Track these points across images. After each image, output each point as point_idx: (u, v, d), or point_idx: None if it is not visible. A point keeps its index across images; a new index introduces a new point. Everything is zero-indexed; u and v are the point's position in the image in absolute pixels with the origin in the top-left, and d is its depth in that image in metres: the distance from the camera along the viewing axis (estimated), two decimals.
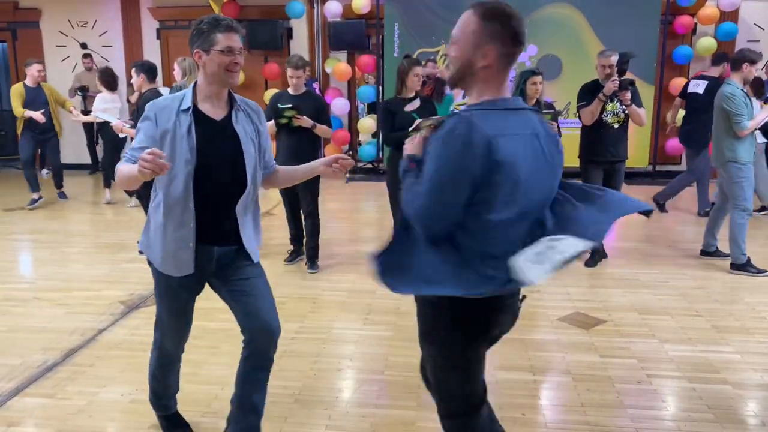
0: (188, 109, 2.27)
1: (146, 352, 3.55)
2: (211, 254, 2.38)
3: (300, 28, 10.07)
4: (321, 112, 4.97)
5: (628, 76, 5.42)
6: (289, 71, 4.92)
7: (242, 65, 2.29)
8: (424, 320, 1.99)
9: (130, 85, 7.24)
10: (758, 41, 9.06)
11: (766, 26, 9.22)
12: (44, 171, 10.22)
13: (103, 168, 8.16)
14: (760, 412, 2.97)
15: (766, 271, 4.93)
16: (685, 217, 7.17)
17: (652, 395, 3.12)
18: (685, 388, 3.19)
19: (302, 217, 5.19)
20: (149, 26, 10.40)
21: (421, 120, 4.78)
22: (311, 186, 4.94)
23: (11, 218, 7.14)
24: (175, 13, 10.25)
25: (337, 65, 9.58)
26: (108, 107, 7.32)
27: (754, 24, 9.22)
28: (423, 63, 5.69)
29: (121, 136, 6.67)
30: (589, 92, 5.08)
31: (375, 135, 9.56)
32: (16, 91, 7.48)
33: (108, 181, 7.77)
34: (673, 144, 9.46)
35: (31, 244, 6.08)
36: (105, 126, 7.19)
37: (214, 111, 2.32)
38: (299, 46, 10.06)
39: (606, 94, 4.92)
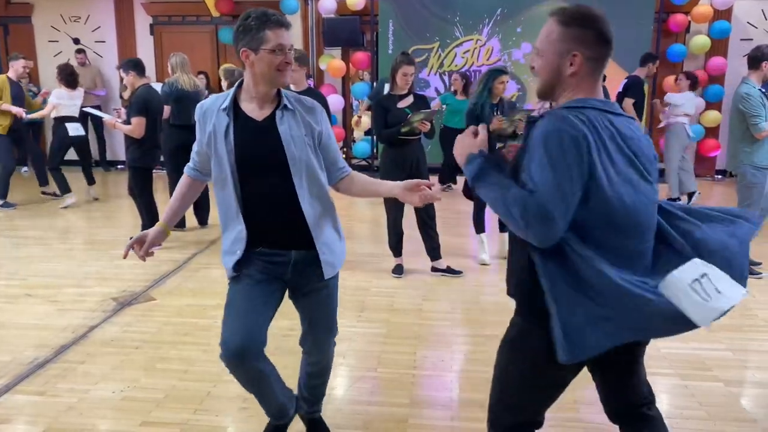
0: (227, 108, 2.17)
1: (138, 350, 3.56)
2: (286, 258, 2.26)
3: (294, 24, 9.99)
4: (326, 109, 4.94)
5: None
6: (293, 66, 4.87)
7: (292, 64, 2.19)
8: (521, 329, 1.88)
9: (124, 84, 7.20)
10: (751, 39, 9.08)
11: (760, 25, 9.25)
12: (24, 169, 10.05)
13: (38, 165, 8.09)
14: (752, 409, 2.98)
15: (760, 274, 4.89)
16: None
17: None
18: (678, 386, 3.20)
19: None
20: (142, 22, 10.35)
21: (412, 114, 4.81)
22: None
23: (1, 214, 7.09)
24: (168, 9, 10.20)
25: (332, 62, 9.56)
26: (63, 104, 7.28)
27: (748, 22, 9.25)
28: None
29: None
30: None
31: (368, 132, 9.55)
32: (3, 83, 7.26)
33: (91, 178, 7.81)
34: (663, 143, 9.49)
35: (23, 241, 6.03)
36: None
37: (258, 111, 2.19)
38: (293, 42, 9.97)
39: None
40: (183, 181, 2.44)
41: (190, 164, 2.40)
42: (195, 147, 2.32)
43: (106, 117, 6.09)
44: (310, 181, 2.20)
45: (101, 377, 3.24)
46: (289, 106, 2.20)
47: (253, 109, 2.19)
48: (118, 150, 10.27)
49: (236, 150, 2.15)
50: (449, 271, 4.89)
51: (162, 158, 6.12)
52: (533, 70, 1.77)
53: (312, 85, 9.35)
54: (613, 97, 7.46)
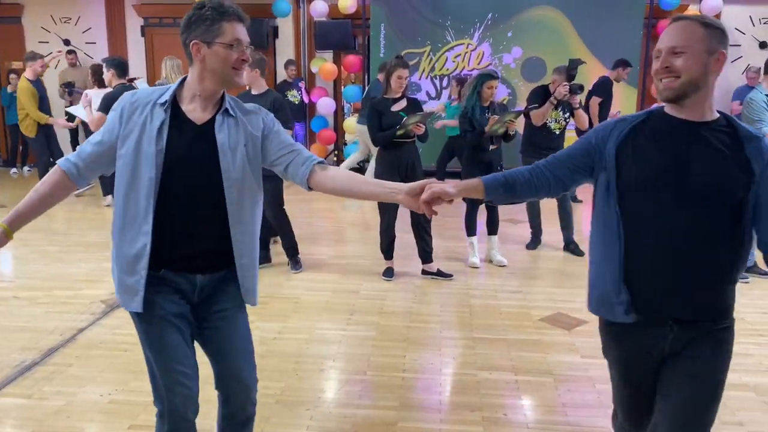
0: (165, 103, 1.90)
1: (126, 352, 3.55)
2: (191, 283, 1.98)
3: (286, 27, 10.04)
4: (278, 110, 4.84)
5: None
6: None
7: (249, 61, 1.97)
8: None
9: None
10: (739, 45, 9.18)
11: (747, 31, 9.34)
12: (26, 168, 10.11)
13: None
14: (738, 413, 3.00)
15: (746, 278, 4.91)
16: None
17: None
18: None
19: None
20: (133, 23, 10.31)
21: (407, 117, 4.83)
22: (270, 187, 4.82)
23: None
24: (160, 10, 10.17)
25: (323, 65, 9.57)
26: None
27: (735, 29, 9.33)
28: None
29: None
30: (539, 96, 5.49)
31: None
32: (30, 91, 7.14)
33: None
34: None
35: (12, 242, 5.98)
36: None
37: (200, 113, 1.93)
38: (285, 45, 10.04)
39: (557, 98, 5.30)
40: (53, 177, 1.98)
41: (72, 157, 1.97)
42: (96, 137, 1.95)
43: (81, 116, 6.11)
44: (242, 197, 1.96)
45: (89, 380, 3.23)
46: (231, 111, 1.96)
47: (193, 110, 1.93)
48: None
49: (167, 152, 1.87)
50: (440, 274, 4.90)
51: None
52: (666, 70, 1.73)
53: (303, 88, 9.38)
54: None
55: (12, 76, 9.60)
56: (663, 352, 1.84)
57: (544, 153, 5.66)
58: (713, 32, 1.71)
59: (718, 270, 1.76)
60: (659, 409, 1.84)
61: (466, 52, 9.27)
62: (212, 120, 1.94)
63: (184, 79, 1.97)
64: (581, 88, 5.31)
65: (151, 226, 1.87)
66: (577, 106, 5.40)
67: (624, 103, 8.56)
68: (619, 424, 2.10)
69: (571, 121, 5.60)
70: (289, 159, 2.00)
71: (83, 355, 3.53)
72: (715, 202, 1.70)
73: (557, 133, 5.50)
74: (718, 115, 1.77)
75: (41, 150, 7.55)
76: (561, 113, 5.46)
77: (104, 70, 5.68)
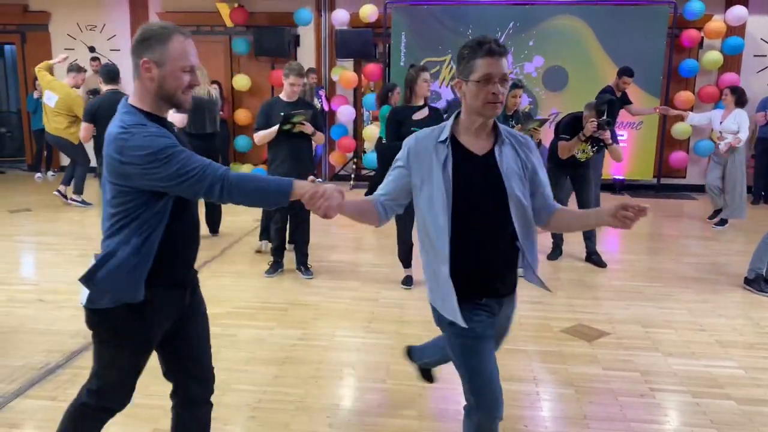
0: (445, 140, 2.10)
1: None
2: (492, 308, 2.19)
3: (307, 35, 10.11)
4: (315, 119, 5.00)
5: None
6: (292, 78, 4.92)
7: (504, 95, 2.05)
8: None
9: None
10: (765, 56, 9.08)
11: None
12: (50, 173, 10.27)
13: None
14: (765, 429, 2.95)
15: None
16: (689, 230, 7.15)
17: (655, 409, 3.10)
18: (689, 403, 3.17)
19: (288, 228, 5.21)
20: None
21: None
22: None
23: (16, 220, 7.16)
24: (183, 19, 10.28)
25: (344, 73, 9.61)
26: None
27: (761, 39, 9.23)
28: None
29: None
30: (570, 127, 5.43)
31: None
32: (80, 99, 7.47)
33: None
34: (678, 157, 9.46)
35: (36, 246, 6.09)
36: None
37: (476, 144, 2.12)
38: (306, 53, 10.10)
39: (585, 135, 5.26)
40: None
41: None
42: (384, 187, 2.23)
43: None
44: (523, 218, 2.21)
45: None
46: (507, 139, 2.17)
47: (469, 142, 2.14)
48: None
49: (454, 184, 2.07)
50: None
51: None
52: None
53: (323, 96, 9.43)
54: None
55: (38, 82, 9.75)
56: None
57: (569, 172, 5.69)
58: None
59: None
60: None
61: None
62: (492, 150, 2.13)
63: (459, 113, 2.16)
64: (609, 123, 5.25)
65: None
66: (609, 142, 5.32)
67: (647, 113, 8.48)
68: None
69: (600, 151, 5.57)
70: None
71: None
72: None
73: (582, 160, 5.50)
74: None
75: (84, 156, 7.77)
76: (589, 146, 5.43)
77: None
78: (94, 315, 2.05)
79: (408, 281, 4.93)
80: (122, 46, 10.51)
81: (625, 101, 7.23)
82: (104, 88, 5.38)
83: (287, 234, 5.31)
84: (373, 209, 2.21)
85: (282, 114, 4.81)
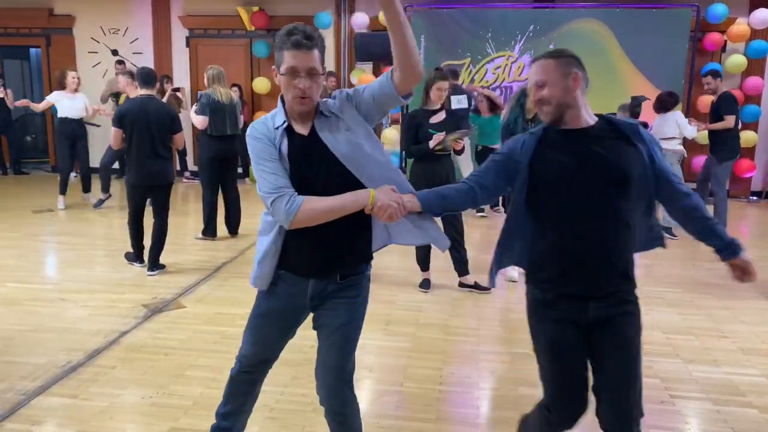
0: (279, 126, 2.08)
1: (167, 356, 3.61)
2: None
3: (327, 38, 10.15)
4: None
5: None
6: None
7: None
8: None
9: None
10: None
11: None
12: (73, 174, 10.39)
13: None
14: None
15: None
16: None
17: (675, 416, 3.07)
18: (710, 410, 3.13)
19: None
20: (179, 34, 10.56)
21: (446, 135, 4.74)
22: None
23: (39, 220, 7.27)
24: (204, 22, 10.41)
25: (363, 76, 9.64)
26: None
27: None
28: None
29: None
30: None
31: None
32: None
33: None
34: (700, 162, 9.35)
35: (58, 246, 6.18)
36: None
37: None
38: (326, 56, 10.13)
39: None
40: None
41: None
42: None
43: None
44: None
45: (131, 382, 3.29)
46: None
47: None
48: None
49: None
50: (477, 287, 4.87)
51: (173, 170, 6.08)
52: (539, 101, 2.15)
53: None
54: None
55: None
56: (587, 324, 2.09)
57: None
58: (563, 60, 2.11)
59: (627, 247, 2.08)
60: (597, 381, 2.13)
61: (507, 64, 9.23)
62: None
63: None
64: (645, 125, 5.19)
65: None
66: None
67: None
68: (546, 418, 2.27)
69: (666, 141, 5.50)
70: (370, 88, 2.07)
71: (126, 358, 3.60)
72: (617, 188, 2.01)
73: None
74: (596, 119, 2.14)
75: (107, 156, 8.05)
76: None
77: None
78: None
79: (426, 284, 4.92)
80: (144, 49, 10.65)
81: None
82: (138, 91, 5.33)
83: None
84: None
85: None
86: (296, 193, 1.97)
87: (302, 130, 2.05)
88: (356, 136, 2.04)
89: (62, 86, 7.73)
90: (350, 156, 2.01)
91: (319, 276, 2.13)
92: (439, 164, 4.74)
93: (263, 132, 2.04)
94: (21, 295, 4.62)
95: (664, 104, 6.72)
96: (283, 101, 2.05)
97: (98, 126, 9.46)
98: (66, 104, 7.70)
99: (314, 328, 2.26)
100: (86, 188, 8.09)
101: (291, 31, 1.97)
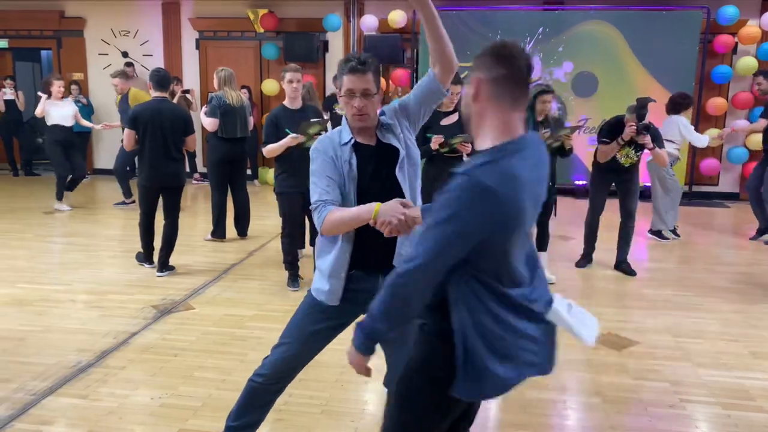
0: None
1: (177, 357, 3.62)
2: None
3: (336, 41, 10.18)
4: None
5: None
6: (289, 75, 4.76)
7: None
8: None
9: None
10: None
11: None
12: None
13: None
14: None
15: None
16: (721, 238, 7.01)
17: (685, 420, 3.05)
18: (720, 415, 3.11)
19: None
20: (189, 36, 10.61)
21: (453, 135, 4.77)
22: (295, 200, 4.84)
23: (50, 221, 7.32)
24: (214, 24, 10.45)
25: None
26: None
27: None
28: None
29: None
30: (611, 131, 5.31)
31: None
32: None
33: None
34: (710, 164, 9.30)
35: (68, 247, 6.21)
36: None
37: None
38: (335, 58, 10.15)
39: (624, 139, 5.18)
40: None
41: None
42: None
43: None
44: None
45: (140, 383, 3.31)
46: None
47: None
48: None
49: None
50: None
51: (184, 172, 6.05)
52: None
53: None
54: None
55: (73, 86, 9.98)
56: None
57: (613, 178, 5.61)
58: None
59: None
60: None
61: None
62: None
63: None
64: (647, 128, 5.14)
65: None
66: (651, 146, 5.20)
67: None
68: None
69: (643, 155, 5.46)
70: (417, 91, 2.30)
71: (136, 359, 3.62)
72: None
73: (626, 166, 5.35)
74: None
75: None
76: (633, 151, 5.30)
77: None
78: None
79: None
80: (154, 51, 10.70)
81: None
82: (152, 94, 5.35)
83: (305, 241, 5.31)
84: None
85: (298, 128, 4.64)
86: (330, 205, 2.16)
87: (369, 141, 2.27)
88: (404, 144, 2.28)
89: (48, 94, 7.79)
90: (401, 160, 2.25)
91: (388, 270, 2.17)
92: (450, 166, 4.68)
93: (326, 148, 2.23)
94: (31, 296, 4.65)
95: (675, 106, 6.64)
96: (347, 118, 2.28)
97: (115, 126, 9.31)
98: (54, 113, 7.77)
99: None
100: (70, 188, 8.05)
101: (348, 59, 2.22)
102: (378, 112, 2.30)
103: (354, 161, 2.21)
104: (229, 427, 2.47)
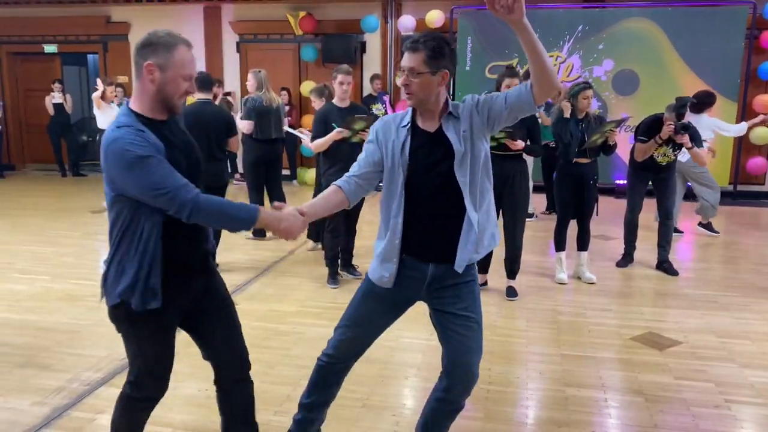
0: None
1: None
2: None
3: (374, 42, 10.25)
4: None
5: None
6: (340, 77, 4.86)
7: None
8: None
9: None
10: None
11: None
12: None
13: None
14: None
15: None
16: (767, 239, 6.85)
17: (730, 421, 3.01)
18: (766, 416, 3.06)
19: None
20: (230, 39, 10.81)
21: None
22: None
23: (97, 219, 7.55)
24: (254, 27, 10.62)
25: None
26: None
27: None
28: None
29: None
30: (649, 129, 5.28)
31: None
32: None
33: None
34: (757, 163, 9.08)
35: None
36: None
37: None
38: (372, 59, 10.24)
39: (662, 138, 5.16)
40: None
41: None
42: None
43: (304, 138, 6.25)
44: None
45: (187, 375, 3.41)
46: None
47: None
48: None
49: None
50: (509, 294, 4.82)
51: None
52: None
53: (388, 102, 9.53)
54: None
55: (118, 89, 10.25)
56: None
57: (650, 177, 5.60)
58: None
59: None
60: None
61: (555, 65, 9.15)
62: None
63: None
64: (686, 127, 5.10)
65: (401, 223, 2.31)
66: (690, 146, 5.18)
67: (723, 118, 8.16)
68: None
69: (681, 153, 5.41)
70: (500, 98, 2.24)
71: (182, 352, 3.67)
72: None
73: (663, 164, 5.34)
74: None
75: None
76: (670, 149, 5.28)
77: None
78: (112, 310, 2.21)
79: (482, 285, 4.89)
80: (196, 54, 10.71)
81: None
82: (195, 96, 5.41)
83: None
84: None
85: (344, 122, 4.74)
86: (341, 187, 2.29)
87: (429, 127, 2.24)
88: (468, 143, 2.21)
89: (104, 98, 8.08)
90: (460, 156, 2.19)
91: (439, 260, 2.26)
92: (507, 166, 4.53)
93: (385, 128, 2.29)
94: (83, 292, 4.82)
95: (700, 105, 6.46)
96: None
97: None
98: (102, 118, 8.10)
99: (435, 316, 2.42)
100: None
101: (408, 38, 2.26)
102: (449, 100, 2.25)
103: (408, 144, 2.21)
104: (302, 403, 2.61)
